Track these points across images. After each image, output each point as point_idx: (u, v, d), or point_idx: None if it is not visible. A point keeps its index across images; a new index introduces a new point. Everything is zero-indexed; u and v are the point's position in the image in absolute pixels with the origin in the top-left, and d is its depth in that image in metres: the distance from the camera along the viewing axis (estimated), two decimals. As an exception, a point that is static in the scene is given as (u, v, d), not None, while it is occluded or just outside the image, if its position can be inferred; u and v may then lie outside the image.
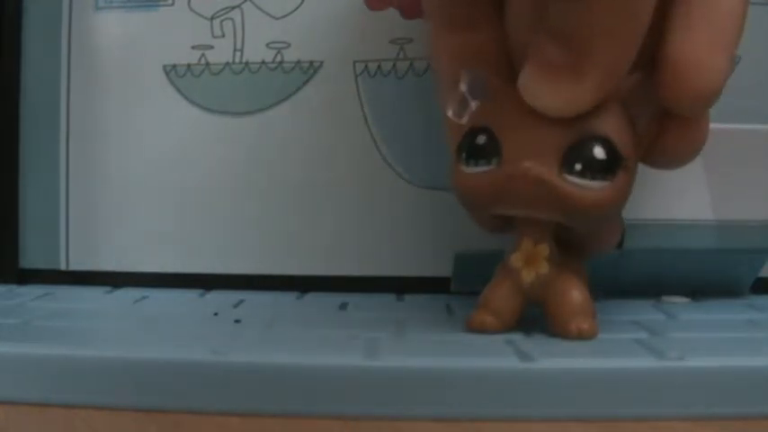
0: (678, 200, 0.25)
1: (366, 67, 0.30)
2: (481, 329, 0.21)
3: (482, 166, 0.20)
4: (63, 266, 0.31)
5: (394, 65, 0.29)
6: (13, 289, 0.30)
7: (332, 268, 0.30)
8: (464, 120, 0.20)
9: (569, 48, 0.18)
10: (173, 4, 0.30)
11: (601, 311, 0.22)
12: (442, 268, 0.28)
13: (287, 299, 0.28)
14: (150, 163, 0.30)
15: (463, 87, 0.20)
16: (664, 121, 0.20)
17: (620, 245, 0.25)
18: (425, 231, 0.28)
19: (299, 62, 0.30)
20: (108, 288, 0.30)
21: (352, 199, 0.29)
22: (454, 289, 0.28)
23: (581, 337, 0.20)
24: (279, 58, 0.30)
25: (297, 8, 0.30)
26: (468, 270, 0.27)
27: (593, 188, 0.19)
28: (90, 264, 0.30)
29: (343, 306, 0.26)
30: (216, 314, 0.24)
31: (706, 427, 0.17)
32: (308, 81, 0.30)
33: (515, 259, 0.21)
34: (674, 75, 0.18)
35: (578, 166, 0.19)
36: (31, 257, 0.31)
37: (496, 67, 0.21)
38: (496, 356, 0.19)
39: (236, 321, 0.23)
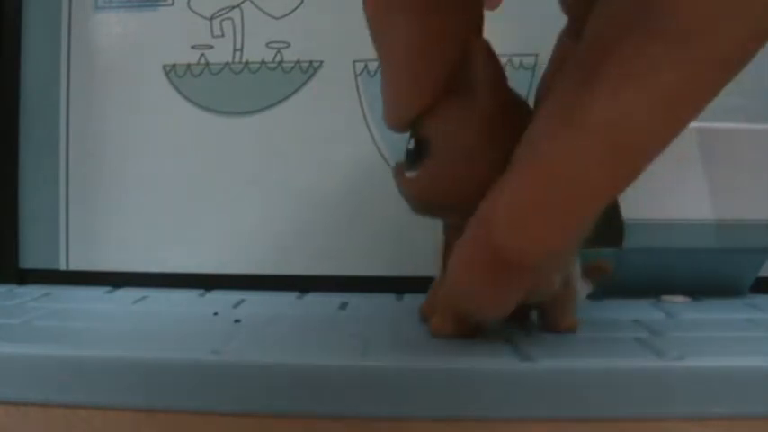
0: (678, 200, 0.26)
1: (366, 66, 0.30)
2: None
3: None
4: (63, 266, 0.31)
5: (394, 65, 0.29)
6: (13, 289, 0.30)
7: (332, 268, 0.30)
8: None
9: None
10: (172, 4, 0.30)
11: (601, 310, 0.22)
12: (442, 268, 0.28)
13: (287, 299, 0.28)
14: (150, 163, 0.30)
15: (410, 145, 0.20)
16: None
17: (619, 245, 0.25)
18: (425, 231, 0.28)
19: (298, 62, 0.30)
20: (108, 288, 0.30)
21: (351, 199, 0.29)
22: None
23: (436, 334, 0.21)
24: (279, 58, 0.30)
25: (297, 8, 0.30)
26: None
27: (410, 179, 0.19)
28: (90, 264, 0.31)
29: (343, 306, 0.26)
30: (216, 314, 0.24)
31: (706, 426, 0.17)
32: (307, 81, 0.30)
33: None
34: (496, 232, 0.14)
35: (404, 160, 0.19)
36: (31, 257, 0.31)
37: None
38: (496, 356, 0.19)
39: (236, 321, 0.23)
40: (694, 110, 0.13)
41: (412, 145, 0.19)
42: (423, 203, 0.20)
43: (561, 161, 0.14)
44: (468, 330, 0.21)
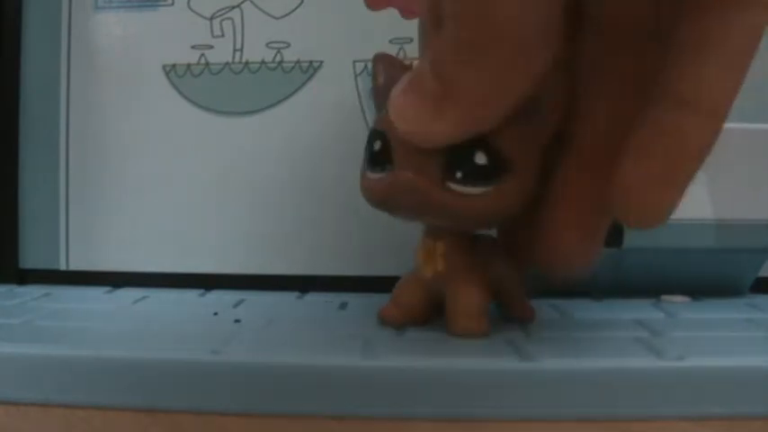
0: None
1: (366, 66, 0.30)
2: (388, 321, 0.22)
3: (377, 173, 0.20)
4: (63, 266, 0.31)
5: (394, 65, 0.29)
6: (13, 289, 0.30)
7: (332, 268, 0.30)
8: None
9: (438, 77, 0.17)
10: (172, 4, 0.30)
11: (601, 310, 0.22)
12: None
13: (287, 299, 0.28)
14: (150, 163, 0.30)
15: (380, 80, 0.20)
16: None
17: (619, 244, 0.25)
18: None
19: (299, 62, 0.30)
20: (108, 288, 0.30)
21: (352, 199, 0.29)
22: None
23: (467, 334, 0.20)
24: (279, 58, 0.30)
25: (297, 8, 0.30)
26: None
27: (474, 194, 0.18)
28: (90, 264, 0.30)
29: (343, 306, 0.26)
30: (216, 314, 0.24)
31: (706, 426, 0.17)
32: (307, 81, 0.30)
33: (417, 255, 0.21)
34: (622, 201, 0.17)
35: (459, 174, 0.18)
36: (31, 257, 0.31)
37: None
38: (496, 356, 0.19)
39: (236, 321, 0.23)
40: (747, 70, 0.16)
41: (483, 160, 0.18)
42: (490, 218, 0.19)
43: (682, 136, 0.16)
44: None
